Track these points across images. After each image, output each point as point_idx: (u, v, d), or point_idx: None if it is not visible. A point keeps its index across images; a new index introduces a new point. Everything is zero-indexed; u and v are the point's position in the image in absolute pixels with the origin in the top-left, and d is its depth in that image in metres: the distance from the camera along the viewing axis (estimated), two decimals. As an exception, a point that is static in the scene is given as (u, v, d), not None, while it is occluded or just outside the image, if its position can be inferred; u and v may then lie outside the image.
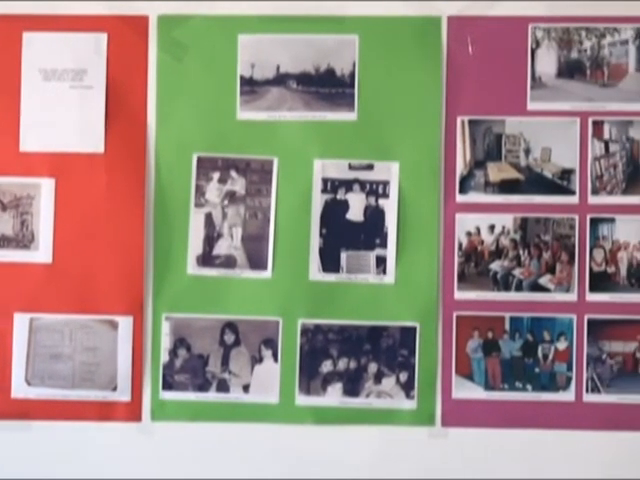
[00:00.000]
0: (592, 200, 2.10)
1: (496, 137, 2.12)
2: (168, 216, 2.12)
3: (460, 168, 2.12)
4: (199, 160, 2.12)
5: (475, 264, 2.11)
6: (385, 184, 2.11)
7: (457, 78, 2.11)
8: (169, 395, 2.13)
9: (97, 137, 2.11)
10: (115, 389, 2.12)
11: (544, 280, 2.10)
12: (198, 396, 2.13)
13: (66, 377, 2.12)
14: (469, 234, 2.11)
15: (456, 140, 2.11)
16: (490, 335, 2.11)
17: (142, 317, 2.12)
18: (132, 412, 2.13)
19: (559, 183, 2.10)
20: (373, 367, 2.11)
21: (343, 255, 2.11)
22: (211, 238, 2.13)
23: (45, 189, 2.11)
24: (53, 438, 2.13)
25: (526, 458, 2.10)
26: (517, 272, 2.11)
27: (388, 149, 2.11)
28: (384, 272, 2.10)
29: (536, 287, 2.10)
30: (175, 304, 2.12)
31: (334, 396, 2.12)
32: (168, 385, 2.13)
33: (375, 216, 2.12)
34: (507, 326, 2.10)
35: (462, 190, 2.11)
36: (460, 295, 2.10)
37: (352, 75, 2.11)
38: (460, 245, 2.11)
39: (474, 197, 2.11)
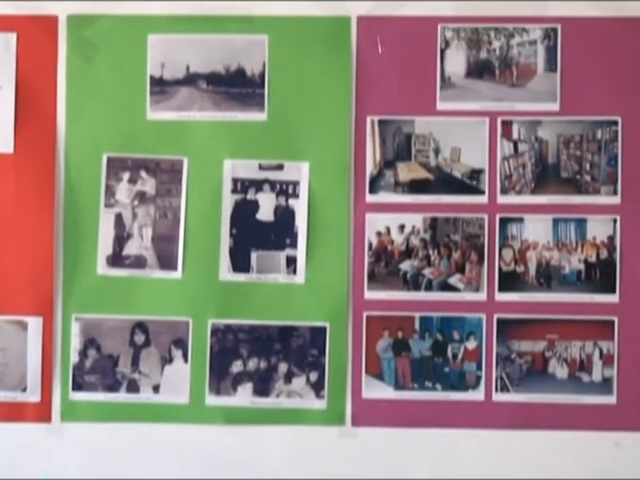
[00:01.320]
0: (501, 200, 2.11)
1: (406, 137, 2.12)
2: (78, 216, 2.12)
3: (370, 168, 2.12)
4: (109, 160, 2.12)
5: (385, 264, 2.11)
6: (295, 184, 2.12)
7: (367, 78, 2.11)
8: (79, 396, 2.12)
9: (6, 137, 2.11)
10: (25, 390, 2.11)
11: (454, 280, 2.11)
12: (108, 397, 2.12)
13: (-24, 378, 2.11)
14: (379, 234, 2.11)
15: (366, 140, 2.12)
16: (400, 335, 2.11)
17: (52, 317, 2.11)
18: (42, 413, 2.12)
19: (468, 183, 2.11)
20: (283, 367, 2.11)
21: (253, 255, 2.11)
22: (121, 238, 2.12)
23: (-46, 189, 2.11)
24: (-38, 439, 2.12)
25: (436, 457, 2.10)
26: (427, 272, 2.11)
27: (298, 149, 2.11)
28: (294, 272, 2.10)
29: (446, 287, 2.11)
30: (85, 304, 2.11)
31: (244, 396, 2.11)
32: (78, 386, 2.12)
33: (285, 216, 2.12)
34: (417, 326, 2.10)
35: (372, 190, 2.12)
36: (370, 295, 2.11)
37: (262, 75, 2.11)
38: (370, 245, 2.11)
39: (384, 197, 2.12)
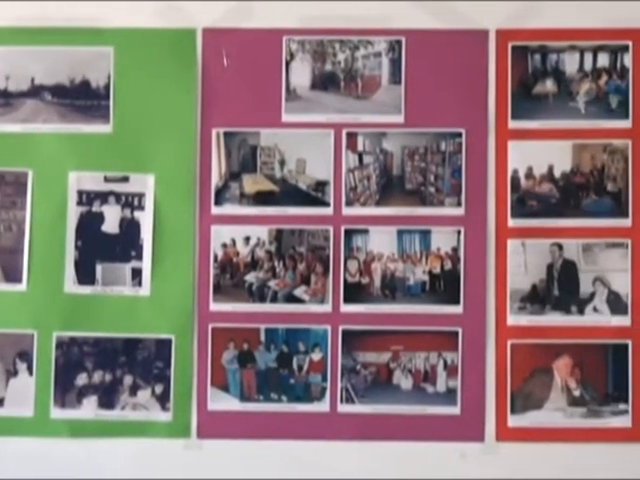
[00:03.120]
0: (346, 211, 2.11)
1: (251, 149, 2.12)
2: None
3: (215, 180, 2.12)
4: (-47, 172, 2.11)
5: (230, 276, 2.11)
6: (140, 196, 2.11)
7: (212, 90, 2.12)
8: None
9: None
10: None
11: (299, 291, 2.11)
12: (-49, 410, 2.11)
13: None
14: (224, 246, 2.11)
15: (211, 152, 2.12)
16: (245, 346, 2.11)
17: None
18: None
19: (314, 195, 2.11)
20: (128, 379, 2.11)
21: (98, 267, 2.11)
22: (-35, 251, 2.12)
23: None
24: None
25: (282, 469, 2.09)
26: (272, 283, 2.12)
27: (144, 161, 2.11)
28: (139, 284, 2.10)
29: (291, 298, 2.11)
30: None
31: (89, 409, 2.11)
32: None
33: (130, 228, 2.11)
34: (262, 337, 2.11)
35: (217, 202, 2.12)
36: (215, 307, 2.11)
37: (107, 87, 2.11)
38: (215, 257, 2.11)
39: (229, 209, 2.12)
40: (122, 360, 2.11)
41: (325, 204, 2.11)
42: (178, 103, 2.11)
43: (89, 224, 2.12)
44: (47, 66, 2.12)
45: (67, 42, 2.12)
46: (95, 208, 2.12)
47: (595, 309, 2.09)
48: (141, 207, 2.11)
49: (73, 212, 2.11)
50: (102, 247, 2.12)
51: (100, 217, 2.12)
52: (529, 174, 2.10)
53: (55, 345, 2.10)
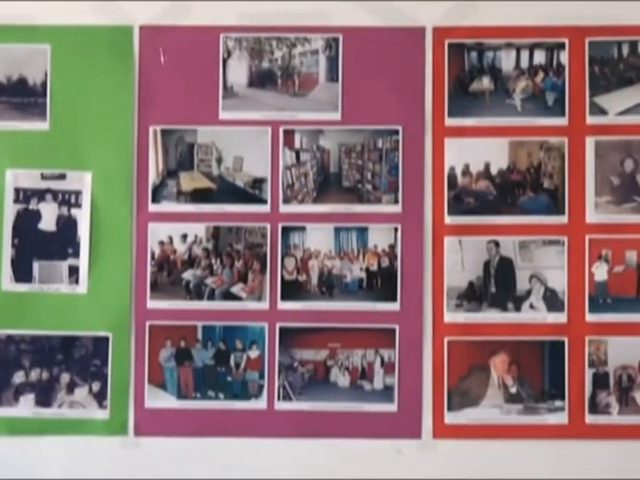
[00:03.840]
0: (283, 209, 2.11)
1: (188, 146, 2.12)
2: None
3: (152, 177, 2.12)
4: None
5: (168, 273, 2.11)
6: (78, 194, 2.11)
7: (149, 88, 2.12)
8: None
9: None
10: None
11: (236, 289, 2.11)
12: None
13: None
14: (162, 243, 2.11)
15: (149, 149, 2.11)
16: (183, 344, 2.11)
17: None
18: None
19: (251, 192, 2.11)
20: (65, 377, 2.11)
21: (35, 265, 2.11)
22: None
23: None
24: None
25: (219, 467, 2.09)
26: (210, 281, 2.12)
27: (81, 159, 2.11)
28: (77, 282, 2.10)
29: (228, 296, 2.11)
30: None
31: (26, 407, 2.11)
32: None
33: (67, 226, 2.11)
34: (200, 335, 2.11)
35: (155, 199, 2.12)
36: (153, 304, 2.11)
37: (44, 84, 2.11)
38: (153, 254, 2.11)
39: (167, 206, 2.12)
40: (59, 358, 2.10)
41: (262, 201, 2.11)
42: (115, 101, 2.11)
43: (26, 222, 2.11)
44: (-16, 64, 2.11)
45: (3, 40, 2.12)
46: (32, 206, 2.11)
47: (531, 306, 2.10)
48: (78, 205, 2.11)
49: (10, 210, 2.11)
50: (39, 245, 2.11)
51: (37, 215, 2.11)
52: (466, 171, 2.11)
53: (-8, 343, 2.10)
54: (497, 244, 2.09)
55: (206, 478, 2.08)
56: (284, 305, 2.10)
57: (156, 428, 2.10)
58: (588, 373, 2.08)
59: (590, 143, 2.09)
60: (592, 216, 2.09)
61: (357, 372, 2.10)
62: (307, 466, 2.09)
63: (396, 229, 2.10)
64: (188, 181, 2.12)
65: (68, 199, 2.11)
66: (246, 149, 2.11)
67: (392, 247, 2.10)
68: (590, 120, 2.09)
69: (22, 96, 2.11)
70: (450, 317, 2.09)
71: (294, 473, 2.09)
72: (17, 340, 2.10)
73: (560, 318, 2.08)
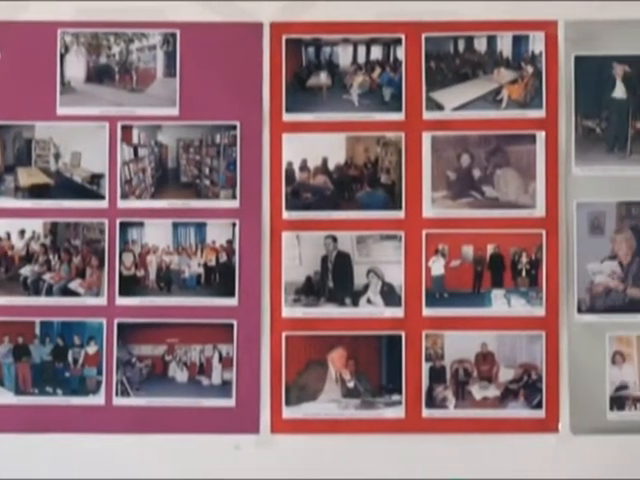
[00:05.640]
0: (121, 204, 2.11)
1: (26, 142, 2.12)
2: None
3: (-10, 173, 2.12)
4: None
5: (5, 269, 2.11)
6: None
7: (-13, 83, 2.11)
8: None
9: None
10: None
11: (74, 285, 2.11)
12: None
13: None
14: (-1, 239, 2.11)
15: (-14, 145, 2.11)
16: (20, 340, 2.11)
17: None
18: None
19: (89, 188, 2.11)
20: None
21: None
22: None
23: None
24: None
25: (57, 462, 2.09)
26: (47, 277, 2.11)
27: None
28: None
29: (66, 292, 2.11)
30: None
31: None
32: None
33: None
34: (37, 331, 2.10)
35: (-7, 195, 2.11)
36: (-7, 301, 2.10)
37: None
38: (-8, 251, 2.11)
39: (4, 202, 2.12)
40: None
41: (100, 197, 2.11)
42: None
43: None
44: None
45: None
46: None
47: (369, 301, 2.10)
48: None
49: None
50: None
51: None
52: (303, 167, 2.11)
53: None
54: (335, 239, 2.10)
55: (44, 476, 2.07)
56: (122, 301, 2.10)
57: (-6, 424, 2.10)
58: (425, 367, 2.09)
59: (427, 138, 2.10)
60: (429, 211, 2.10)
61: (195, 367, 2.10)
62: (145, 462, 2.09)
63: (234, 224, 2.10)
64: (25, 177, 2.12)
65: None
66: (84, 145, 2.11)
67: (230, 242, 2.10)
68: (427, 115, 2.10)
69: None
70: (288, 312, 2.09)
71: (132, 469, 2.09)
72: None
73: (397, 313, 2.09)
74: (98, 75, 2.13)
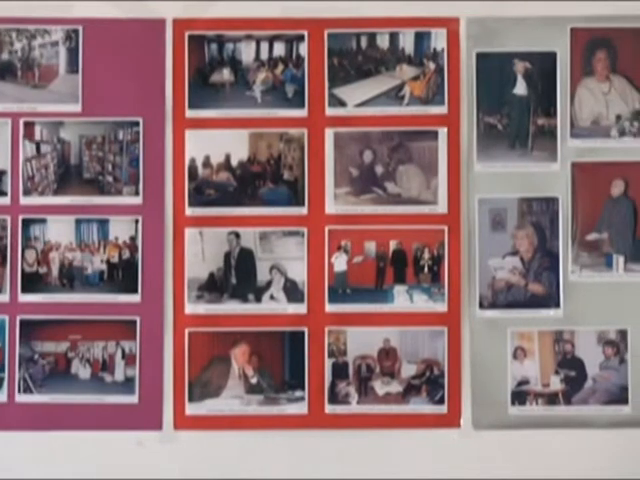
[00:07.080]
0: (24, 201, 2.11)
1: None
2: None
3: None
4: None
5: None
6: None
7: None
8: None
9: None
10: None
11: (-24, 282, 2.11)
12: None
13: None
14: None
15: None
16: None
17: None
18: None
19: (-9, 184, 2.11)
20: None
21: None
22: None
23: None
24: None
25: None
26: (-51, 274, 2.11)
27: None
28: None
29: (-34, 290, 2.11)
30: None
31: None
32: None
33: None
34: None
35: None
36: None
37: None
38: None
39: None
40: None
41: (2, 194, 2.11)
42: None
43: None
44: None
45: None
46: None
47: (272, 297, 2.11)
48: None
49: None
50: None
51: None
52: (206, 163, 2.11)
53: None
54: (238, 235, 2.10)
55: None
56: (25, 298, 2.10)
57: None
58: (328, 363, 2.09)
59: (329, 134, 2.10)
60: (331, 207, 2.10)
61: (98, 364, 2.10)
62: (46, 459, 2.09)
63: (137, 221, 2.10)
64: None
65: None
66: (-13, 142, 2.11)
67: (133, 239, 2.10)
68: (329, 112, 2.11)
69: None
70: (191, 308, 2.10)
71: (35, 467, 2.08)
72: None
73: (300, 309, 2.10)
74: (0, 72, 2.12)
